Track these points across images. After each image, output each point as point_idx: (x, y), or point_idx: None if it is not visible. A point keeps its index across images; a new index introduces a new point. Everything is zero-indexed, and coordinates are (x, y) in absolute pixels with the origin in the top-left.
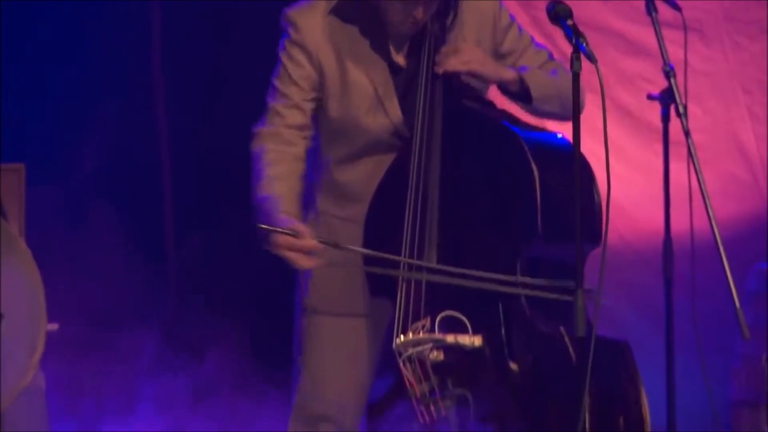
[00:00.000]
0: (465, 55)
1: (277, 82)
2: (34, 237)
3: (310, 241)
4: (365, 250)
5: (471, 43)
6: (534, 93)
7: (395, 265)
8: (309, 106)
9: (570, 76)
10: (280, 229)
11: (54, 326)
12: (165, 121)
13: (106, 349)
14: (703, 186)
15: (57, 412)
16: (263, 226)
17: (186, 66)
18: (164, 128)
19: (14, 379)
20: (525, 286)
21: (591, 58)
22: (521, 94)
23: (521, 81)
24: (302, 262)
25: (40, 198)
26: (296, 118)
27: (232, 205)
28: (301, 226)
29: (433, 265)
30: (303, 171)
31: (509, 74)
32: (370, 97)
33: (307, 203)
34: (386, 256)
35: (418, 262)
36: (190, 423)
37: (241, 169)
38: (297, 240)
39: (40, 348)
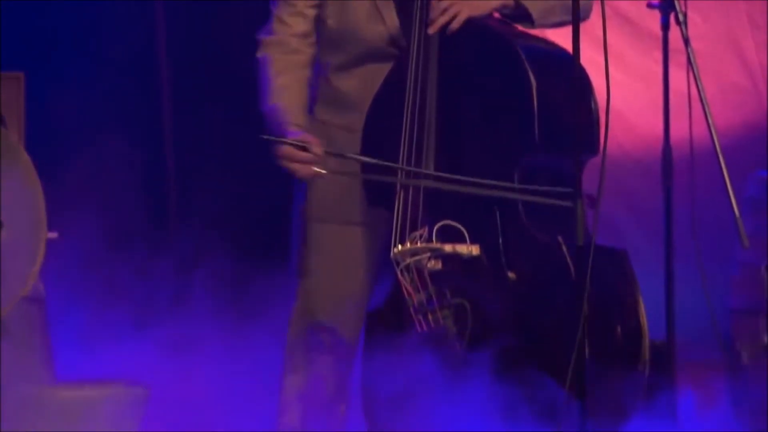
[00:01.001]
0: (453, 8)
1: None
2: (34, 146)
3: (318, 152)
4: (371, 160)
5: None
6: (534, 13)
7: (394, 173)
8: (312, 13)
9: None
10: (290, 141)
11: (53, 235)
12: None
13: (108, 261)
14: (702, 94)
15: (56, 323)
16: (272, 138)
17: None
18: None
19: (14, 288)
20: (523, 192)
21: None
22: (521, 14)
23: (517, 4)
24: (309, 172)
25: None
26: (300, 25)
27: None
28: (309, 137)
29: (432, 171)
30: (309, 79)
31: (503, 1)
32: (367, 6)
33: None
34: (390, 164)
35: (417, 170)
36: (193, 322)
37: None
38: (303, 152)
39: (41, 257)
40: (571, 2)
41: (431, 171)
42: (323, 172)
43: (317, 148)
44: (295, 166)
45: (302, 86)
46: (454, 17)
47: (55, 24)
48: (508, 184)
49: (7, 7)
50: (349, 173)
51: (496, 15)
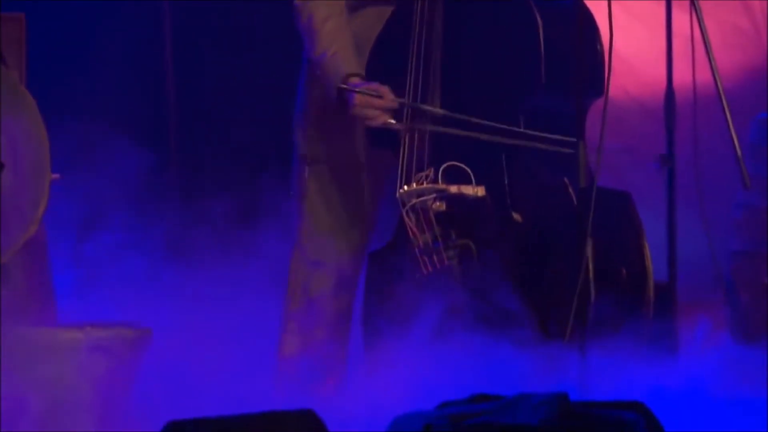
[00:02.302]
0: None
1: None
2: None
3: (390, 100)
4: (439, 110)
5: None
6: None
7: (398, 117)
8: None
9: None
10: (367, 90)
11: (56, 176)
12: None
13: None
14: (705, 36)
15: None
16: (349, 88)
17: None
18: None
19: (18, 231)
20: (528, 137)
21: None
22: None
23: None
24: (382, 120)
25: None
26: None
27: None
28: (383, 87)
29: (439, 110)
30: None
31: None
32: None
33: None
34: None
35: (425, 107)
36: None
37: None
38: (379, 100)
39: (44, 201)
40: None
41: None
42: (394, 122)
43: (390, 96)
44: (371, 113)
45: (350, 30)
46: None
47: None
48: (513, 129)
49: None
50: (417, 127)
51: None
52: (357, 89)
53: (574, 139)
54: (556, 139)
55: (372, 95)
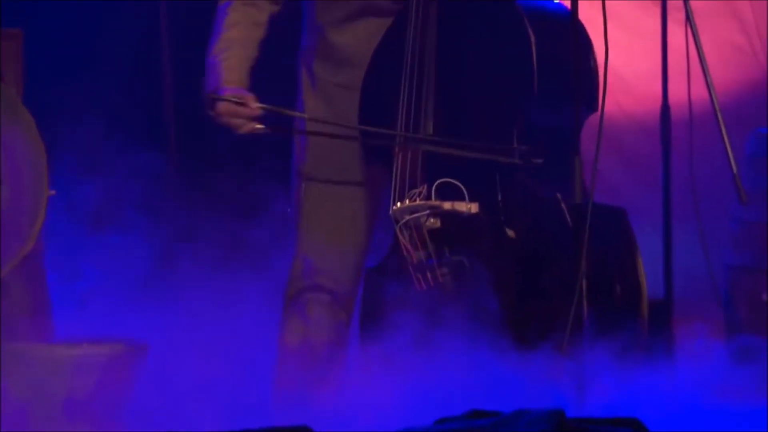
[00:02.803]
0: None
1: None
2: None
3: (253, 108)
4: (429, 136)
5: None
6: None
7: (391, 133)
8: None
9: None
10: (225, 97)
11: (52, 192)
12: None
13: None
14: (701, 52)
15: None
16: (211, 95)
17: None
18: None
19: (15, 246)
20: (521, 156)
21: None
22: None
23: None
24: (246, 128)
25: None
26: None
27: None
28: (245, 93)
29: (429, 136)
30: (260, 37)
31: None
32: None
33: (304, 70)
34: (387, 131)
35: (414, 135)
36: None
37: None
38: (240, 107)
39: (42, 216)
40: None
41: (430, 129)
42: (261, 127)
43: (253, 103)
44: (234, 122)
45: (251, 43)
46: None
47: None
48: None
49: None
50: (346, 135)
51: None
52: (221, 96)
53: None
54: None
55: (235, 102)
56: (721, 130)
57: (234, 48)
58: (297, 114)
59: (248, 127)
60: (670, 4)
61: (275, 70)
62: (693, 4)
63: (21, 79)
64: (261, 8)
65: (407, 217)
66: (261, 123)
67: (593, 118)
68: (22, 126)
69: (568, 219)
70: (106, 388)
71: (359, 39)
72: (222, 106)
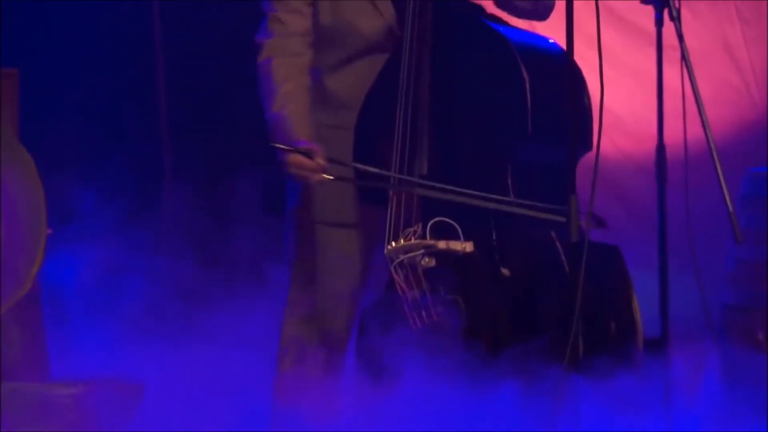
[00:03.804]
0: None
1: None
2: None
3: (322, 162)
4: (371, 168)
5: None
6: None
7: (388, 177)
8: (308, 11)
9: None
10: (299, 149)
11: (48, 231)
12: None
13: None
14: (696, 91)
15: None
16: (281, 146)
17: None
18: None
19: (13, 288)
20: (516, 204)
21: None
22: None
23: None
24: (317, 179)
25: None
26: (298, 24)
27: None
28: (315, 146)
29: (424, 181)
30: (311, 83)
31: None
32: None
33: None
34: (383, 172)
35: (410, 178)
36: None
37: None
38: (309, 160)
39: (40, 259)
40: None
41: (424, 170)
42: (330, 178)
43: (321, 158)
44: (304, 173)
45: (307, 92)
46: None
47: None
48: (501, 197)
49: (5, 7)
50: (346, 179)
51: None
52: (290, 148)
53: (564, 208)
54: (545, 207)
55: (304, 154)
56: (716, 169)
57: (294, 99)
58: (360, 165)
59: (315, 178)
60: (665, 44)
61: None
62: (688, 44)
63: (17, 120)
64: (303, 55)
65: (402, 257)
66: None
67: (588, 157)
68: (20, 166)
69: (563, 258)
70: (102, 428)
71: (354, 82)
72: (291, 158)
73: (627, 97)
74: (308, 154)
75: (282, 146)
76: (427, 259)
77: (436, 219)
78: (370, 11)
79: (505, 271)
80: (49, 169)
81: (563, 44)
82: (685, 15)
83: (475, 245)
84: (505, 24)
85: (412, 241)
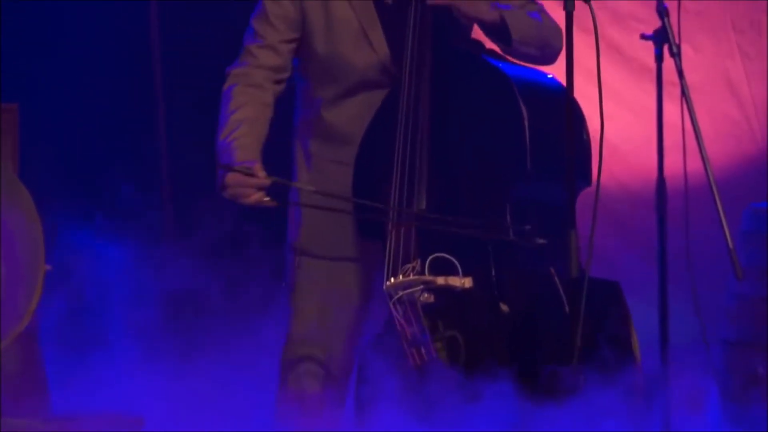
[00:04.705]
0: None
1: (254, 22)
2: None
3: (261, 178)
4: (370, 203)
5: None
6: (514, 35)
7: (383, 208)
8: (285, 48)
9: (551, 21)
10: (234, 168)
11: (47, 267)
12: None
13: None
14: (696, 126)
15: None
16: (220, 165)
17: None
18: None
19: (11, 323)
20: (515, 233)
21: None
22: (501, 34)
23: (502, 21)
24: (256, 198)
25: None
26: (269, 59)
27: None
28: (253, 164)
29: (422, 213)
30: (269, 117)
31: (489, 15)
32: (354, 31)
33: (299, 146)
34: (382, 206)
35: (407, 210)
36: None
37: None
38: (249, 177)
39: (38, 294)
40: (545, 41)
41: (423, 204)
42: (268, 199)
43: (261, 173)
44: (244, 191)
45: (260, 123)
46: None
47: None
48: (499, 227)
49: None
50: (339, 210)
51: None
52: (231, 167)
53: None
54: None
55: (244, 173)
56: (716, 204)
57: (245, 128)
58: (304, 186)
59: (255, 197)
60: (665, 80)
61: (266, 147)
62: (689, 78)
63: (17, 155)
64: (266, 89)
65: (401, 293)
66: (268, 196)
67: (588, 191)
68: (19, 203)
69: (562, 294)
70: None
71: (352, 117)
72: (231, 177)
73: (626, 130)
74: (248, 173)
75: (220, 165)
76: (426, 295)
77: (435, 255)
78: (365, 47)
79: (504, 307)
80: (48, 204)
81: (563, 79)
82: (687, 50)
83: (474, 281)
84: (505, 59)
85: (411, 277)
